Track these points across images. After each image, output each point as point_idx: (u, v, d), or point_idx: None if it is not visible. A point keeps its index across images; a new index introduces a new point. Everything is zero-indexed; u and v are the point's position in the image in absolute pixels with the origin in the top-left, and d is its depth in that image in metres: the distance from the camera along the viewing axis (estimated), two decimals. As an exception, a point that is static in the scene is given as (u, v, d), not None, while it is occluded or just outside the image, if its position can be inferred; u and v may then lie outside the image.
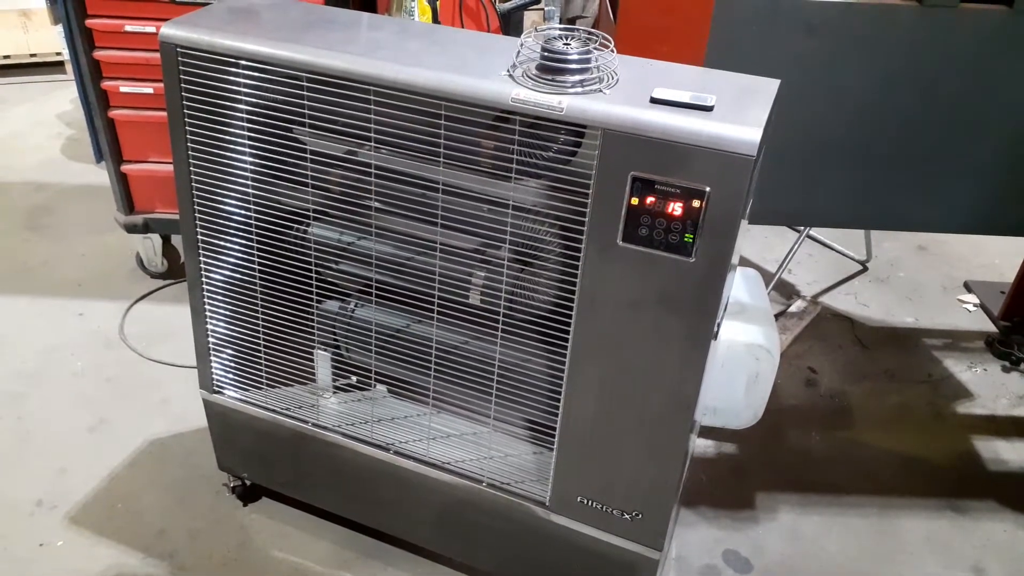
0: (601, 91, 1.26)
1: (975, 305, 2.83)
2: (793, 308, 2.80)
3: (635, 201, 1.24)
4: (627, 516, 1.50)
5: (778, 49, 1.85)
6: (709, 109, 1.21)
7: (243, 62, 1.42)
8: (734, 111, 1.21)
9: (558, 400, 1.46)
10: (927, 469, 2.18)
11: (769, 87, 1.31)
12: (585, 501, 1.53)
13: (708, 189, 1.19)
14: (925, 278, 3.00)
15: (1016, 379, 2.50)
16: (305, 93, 1.40)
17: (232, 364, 1.79)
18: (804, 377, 2.48)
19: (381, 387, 1.81)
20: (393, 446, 1.69)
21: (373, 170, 1.44)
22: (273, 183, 1.57)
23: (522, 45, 1.33)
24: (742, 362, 1.87)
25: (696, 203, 1.21)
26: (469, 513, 1.68)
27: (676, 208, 1.22)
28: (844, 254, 3.12)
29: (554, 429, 1.50)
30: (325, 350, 1.76)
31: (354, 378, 1.81)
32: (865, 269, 3.05)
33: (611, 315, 1.34)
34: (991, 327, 2.70)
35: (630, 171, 1.22)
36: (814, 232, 3.17)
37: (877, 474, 2.15)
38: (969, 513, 2.04)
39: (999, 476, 2.16)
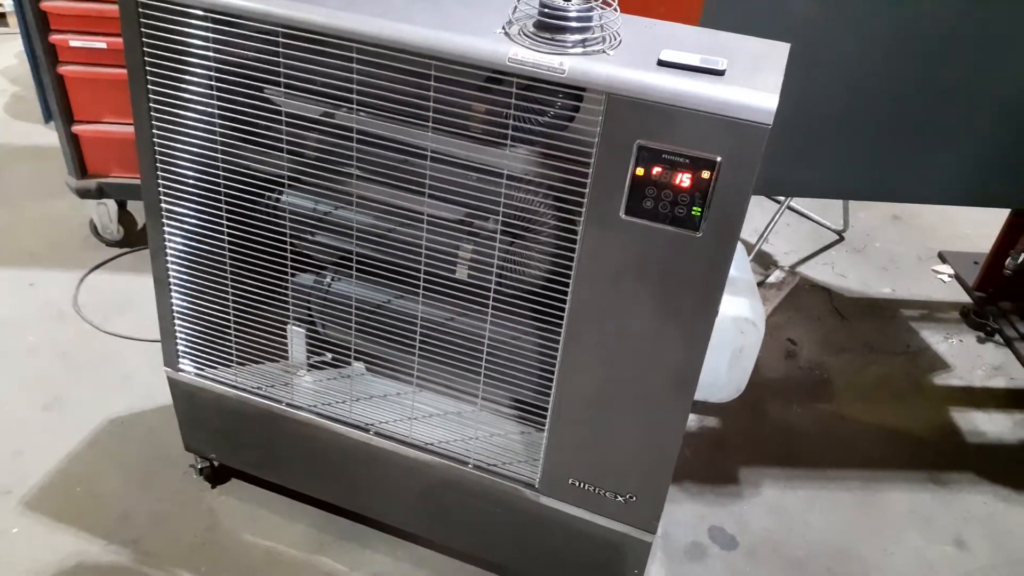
0: (604, 52, 1.17)
1: (949, 275, 2.83)
2: (771, 279, 2.77)
3: (640, 171, 1.16)
4: (620, 499, 1.45)
5: (768, 14, 1.78)
6: (720, 73, 1.13)
7: (212, 15, 1.30)
8: (747, 76, 1.13)
9: (550, 379, 1.40)
10: (908, 441, 2.17)
11: (779, 51, 1.24)
12: (577, 483, 1.47)
13: (719, 159, 1.12)
14: (900, 248, 2.99)
15: (991, 350, 2.51)
16: (280, 50, 1.28)
17: (199, 340, 1.69)
18: (784, 349, 2.46)
19: (359, 364, 1.73)
20: (373, 426, 1.61)
21: (355, 135, 1.34)
22: (244, 147, 1.46)
23: (519, 1, 1.23)
24: (727, 335, 1.82)
25: (706, 174, 1.14)
26: (453, 495, 1.61)
27: (684, 179, 1.15)
28: (821, 224, 3.10)
29: (545, 409, 1.44)
30: (299, 326, 1.67)
31: (329, 355, 1.73)
32: (841, 239, 3.03)
33: (610, 291, 1.27)
34: (966, 297, 2.71)
35: (636, 139, 1.15)
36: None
37: (859, 447, 2.14)
38: (950, 486, 2.04)
39: (977, 448, 2.17)
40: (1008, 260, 2.47)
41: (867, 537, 1.90)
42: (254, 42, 1.32)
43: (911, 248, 2.99)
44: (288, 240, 1.50)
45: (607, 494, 1.46)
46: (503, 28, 1.22)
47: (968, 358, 2.47)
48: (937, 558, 1.87)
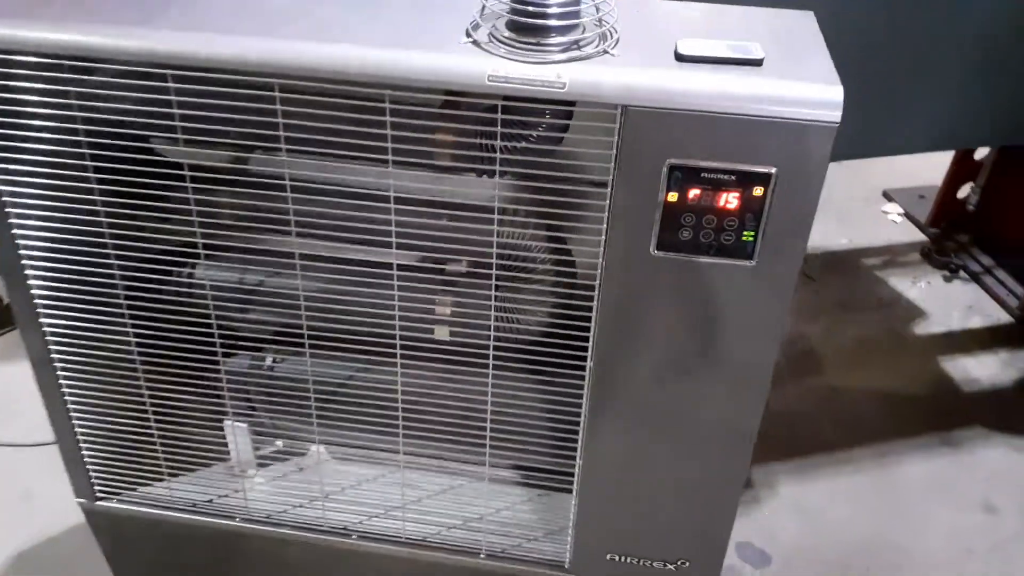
0: (607, 52, 0.91)
1: (899, 215, 2.74)
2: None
3: (673, 197, 0.92)
4: (670, 567, 1.24)
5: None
6: (759, 63, 0.89)
7: (69, 62, 0.96)
8: (790, 63, 0.90)
9: (572, 439, 1.16)
10: (907, 403, 2.06)
11: (807, 24, 1.01)
12: (617, 557, 1.24)
13: (775, 171, 0.89)
14: (845, 193, 2.88)
15: (959, 287, 2.44)
16: (173, 97, 0.96)
17: (115, 458, 1.35)
18: (757, 322, 2.30)
19: (318, 449, 1.44)
20: (355, 527, 1.33)
21: (288, 183, 1.03)
22: (137, 214, 1.13)
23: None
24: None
25: (758, 191, 0.90)
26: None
27: (730, 200, 0.91)
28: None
29: (568, 472, 1.20)
30: (239, 421, 1.35)
31: (279, 442, 1.43)
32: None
33: (643, 339, 1.03)
34: (920, 236, 2.62)
35: (666, 158, 0.90)
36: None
37: (861, 420, 2.00)
38: (963, 445, 1.94)
39: (977, 397, 2.07)
40: (969, 195, 2.38)
41: (896, 521, 1.77)
42: (136, 89, 0.99)
43: (855, 191, 2.88)
44: (214, 322, 1.19)
45: (654, 563, 1.24)
46: (469, 34, 0.94)
47: (940, 300, 2.38)
48: (971, 528, 1.76)
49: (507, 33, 0.92)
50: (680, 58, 0.90)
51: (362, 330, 1.16)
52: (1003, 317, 2.31)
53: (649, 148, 0.90)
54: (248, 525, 1.35)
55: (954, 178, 2.46)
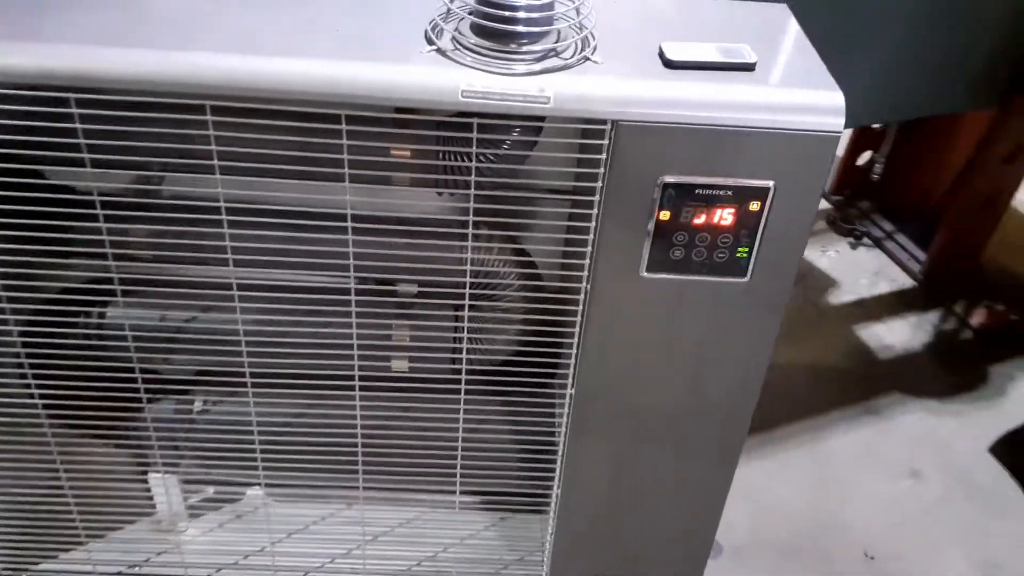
0: (588, 59, 0.83)
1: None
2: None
3: (665, 216, 0.85)
4: (652, 583, 1.20)
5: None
6: (751, 68, 0.83)
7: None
8: (783, 66, 0.85)
9: (550, 464, 1.09)
10: (832, 375, 2.11)
11: (784, 17, 0.95)
12: (595, 578, 1.19)
13: (771, 184, 0.84)
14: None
15: (864, 254, 2.52)
16: (79, 125, 0.80)
17: (28, 525, 1.18)
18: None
19: (254, 491, 1.31)
20: (312, 574, 1.22)
21: (223, 206, 0.88)
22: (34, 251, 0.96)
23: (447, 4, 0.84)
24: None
25: (754, 206, 0.85)
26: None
27: (725, 217, 0.85)
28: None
29: (545, 497, 1.14)
30: (165, 472, 1.21)
31: (211, 488, 1.29)
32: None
33: (629, 361, 0.96)
34: (825, 204, 2.69)
35: (660, 175, 0.83)
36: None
37: (792, 394, 2.04)
38: (883, 413, 2.01)
39: (891, 363, 2.15)
40: (872, 163, 2.45)
41: (834, 495, 1.81)
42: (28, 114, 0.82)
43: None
44: (136, 365, 1.04)
45: (634, 581, 1.20)
46: (430, 40, 0.83)
47: (849, 268, 2.45)
48: (901, 495, 1.82)
49: (474, 39, 0.82)
50: (669, 64, 0.82)
51: (311, 364, 1.04)
52: (907, 281, 2.41)
53: (641, 165, 0.82)
54: (189, 584, 1.21)
55: (855, 147, 2.53)
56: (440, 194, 0.96)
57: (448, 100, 0.79)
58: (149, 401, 1.10)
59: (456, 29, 0.84)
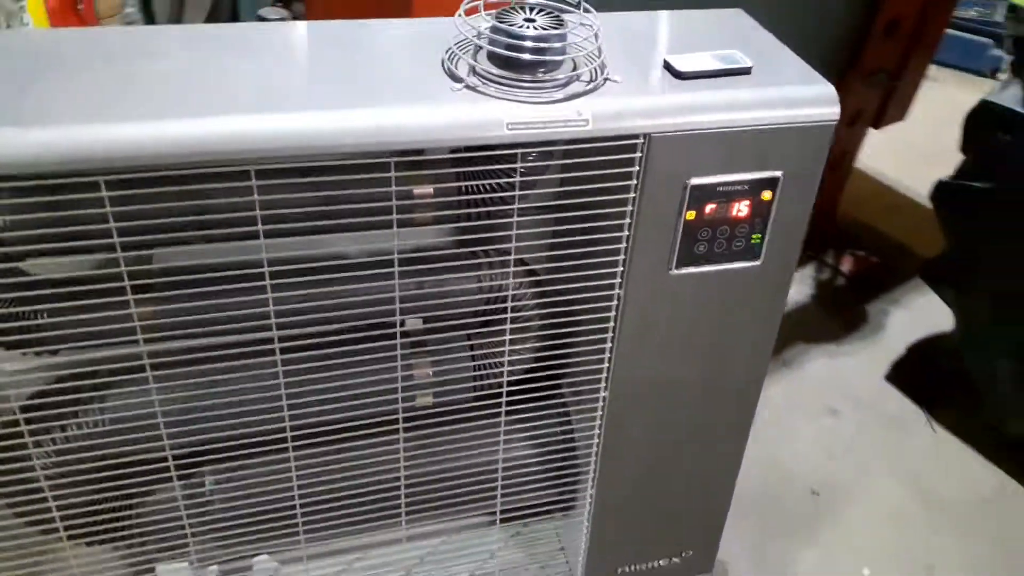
0: (608, 79, 0.87)
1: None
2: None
3: (692, 215, 0.92)
4: (676, 560, 1.27)
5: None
6: (748, 71, 0.91)
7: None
8: (771, 66, 0.93)
9: (584, 464, 1.13)
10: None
11: (747, 21, 1.04)
12: (626, 569, 1.25)
13: (780, 174, 0.92)
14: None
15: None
16: (109, 208, 0.74)
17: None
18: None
19: (262, 558, 1.25)
20: (349, 627, 1.19)
21: (267, 270, 0.85)
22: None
23: (455, 40, 0.85)
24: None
25: (766, 195, 0.93)
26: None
27: (741, 209, 0.93)
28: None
29: (571, 498, 1.17)
30: (174, 560, 1.13)
31: (215, 568, 1.22)
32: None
33: (657, 357, 1.02)
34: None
35: (687, 179, 0.89)
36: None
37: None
38: (794, 363, 2.19)
39: (789, 317, 2.30)
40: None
41: (772, 442, 1.96)
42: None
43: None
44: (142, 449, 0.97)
45: (661, 562, 1.26)
46: (455, 78, 0.84)
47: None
48: (826, 432, 2.00)
49: (498, 71, 0.84)
50: (680, 76, 0.89)
51: (342, 416, 1.02)
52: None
53: (670, 171, 0.88)
54: (217, 670, 1.14)
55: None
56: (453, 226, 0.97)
57: (494, 134, 0.80)
58: (152, 490, 1.04)
59: (474, 62, 0.85)
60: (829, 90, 0.90)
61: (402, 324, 1.10)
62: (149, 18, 3.07)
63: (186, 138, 0.72)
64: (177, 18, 3.02)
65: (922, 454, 1.97)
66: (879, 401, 2.09)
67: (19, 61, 0.80)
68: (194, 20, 3.00)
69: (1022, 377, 1.79)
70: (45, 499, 0.97)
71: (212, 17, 2.90)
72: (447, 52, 0.87)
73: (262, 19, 2.78)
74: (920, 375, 2.17)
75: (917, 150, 3.03)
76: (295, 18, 2.72)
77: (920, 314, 2.36)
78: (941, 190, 1.81)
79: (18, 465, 0.91)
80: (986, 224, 1.74)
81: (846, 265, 2.52)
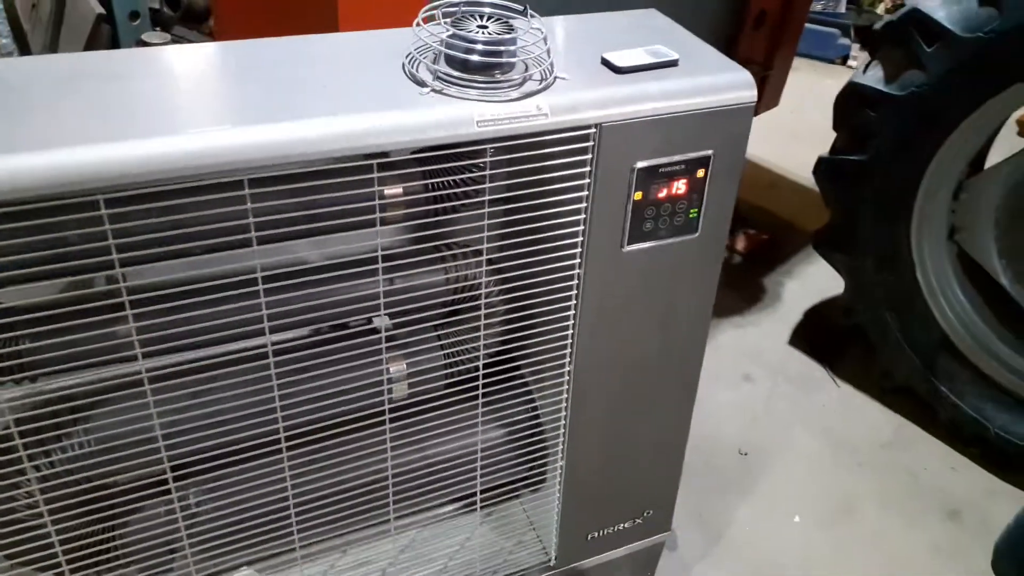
0: (558, 77, 0.96)
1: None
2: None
3: (639, 195, 1.01)
4: (639, 521, 1.36)
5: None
6: (676, 63, 1.02)
7: None
8: (693, 58, 1.04)
9: (552, 442, 1.20)
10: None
11: (658, 20, 1.15)
12: (596, 534, 1.33)
13: (712, 153, 1.03)
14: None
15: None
16: (108, 226, 0.76)
17: None
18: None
19: (245, 571, 1.26)
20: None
21: (260, 276, 0.88)
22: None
23: (419, 43, 0.92)
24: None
25: (700, 172, 1.04)
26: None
27: (680, 186, 1.04)
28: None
29: (543, 478, 1.25)
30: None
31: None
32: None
33: (614, 329, 1.12)
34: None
35: (634, 162, 0.99)
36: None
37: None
38: (714, 339, 2.35)
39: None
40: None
41: (697, 411, 2.10)
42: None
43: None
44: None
45: (624, 525, 1.35)
46: (420, 83, 0.90)
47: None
48: (745, 397, 2.16)
49: (457, 74, 0.91)
50: (618, 71, 0.98)
51: (326, 415, 1.06)
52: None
53: (618, 157, 0.98)
54: None
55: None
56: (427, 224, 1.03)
57: (465, 132, 0.88)
58: (136, 510, 1.04)
59: (436, 67, 0.92)
60: (747, 76, 1.02)
61: (370, 322, 1.15)
62: (23, 48, 2.95)
63: (183, 152, 0.75)
64: (53, 48, 2.91)
65: (830, 407, 2.16)
66: (786, 364, 2.28)
67: None
68: (70, 49, 2.90)
69: (907, 326, 2.00)
70: (35, 530, 0.97)
71: (89, 46, 2.82)
72: (407, 59, 0.93)
73: (144, 44, 2.73)
74: (819, 336, 2.37)
75: (785, 131, 3.29)
76: (175, 42, 2.68)
77: (810, 282, 2.58)
78: (821, 165, 2.00)
79: (8, 495, 0.90)
80: (862, 192, 1.93)
81: (740, 244, 2.71)
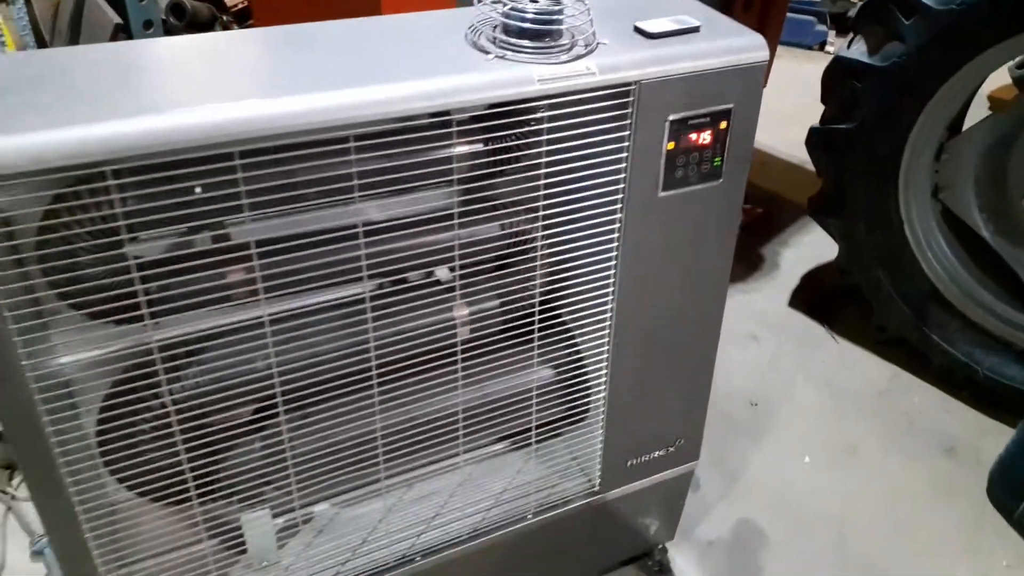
0: (600, 43, 1.10)
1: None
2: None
3: (671, 145, 1.16)
4: (671, 449, 1.51)
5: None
6: (698, 30, 1.17)
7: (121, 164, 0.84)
8: (711, 26, 1.19)
9: (597, 375, 1.34)
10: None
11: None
12: (634, 461, 1.47)
13: (732, 106, 1.18)
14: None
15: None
16: (242, 175, 0.90)
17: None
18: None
19: (321, 506, 1.39)
20: (414, 552, 1.35)
21: (361, 228, 1.02)
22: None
23: (478, 17, 1.07)
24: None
25: (723, 124, 1.19)
26: (520, 554, 1.46)
27: (705, 137, 1.19)
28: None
29: (586, 413, 1.39)
30: (257, 508, 1.26)
31: (279, 519, 1.35)
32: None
33: (650, 270, 1.26)
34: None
35: (667, 116, 1.13)
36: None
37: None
38: (748, 295, 2.50)
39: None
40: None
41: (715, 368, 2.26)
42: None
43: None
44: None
45: (659, 453, 1.50)
46: (484, 51, 1.05)
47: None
48: (753, 356, 2.32)
49: (517, 41, 1.06)
50: (650, 36, 1.13)
51: (408, 356, 1.20)
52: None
53: (655, 111, 1.12)
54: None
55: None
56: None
57: (528, 89, 1.02)
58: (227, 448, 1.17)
59: (496, 36, 1.07)
60: (760, 39, 1.17)
61: (431, 274, 1.29)
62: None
63: (305, 110, 0.89)
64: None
65: (830, 361, 2.32)
66: (788, 324, 2.45)
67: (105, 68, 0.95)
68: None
69: (898, 281, 2.17)
70: (153, 461, 1.10)
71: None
72: (470, 30, 1.08)
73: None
74: (815, 298, 2.54)
75: (772, 114, 3.46)
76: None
77: (805, 249, 2.75)
78: (813, 136, 2.16)
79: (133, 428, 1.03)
80: (851, 158, 2.09)
81: (737, 219, 2.86)
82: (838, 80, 2.07)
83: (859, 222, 2.16)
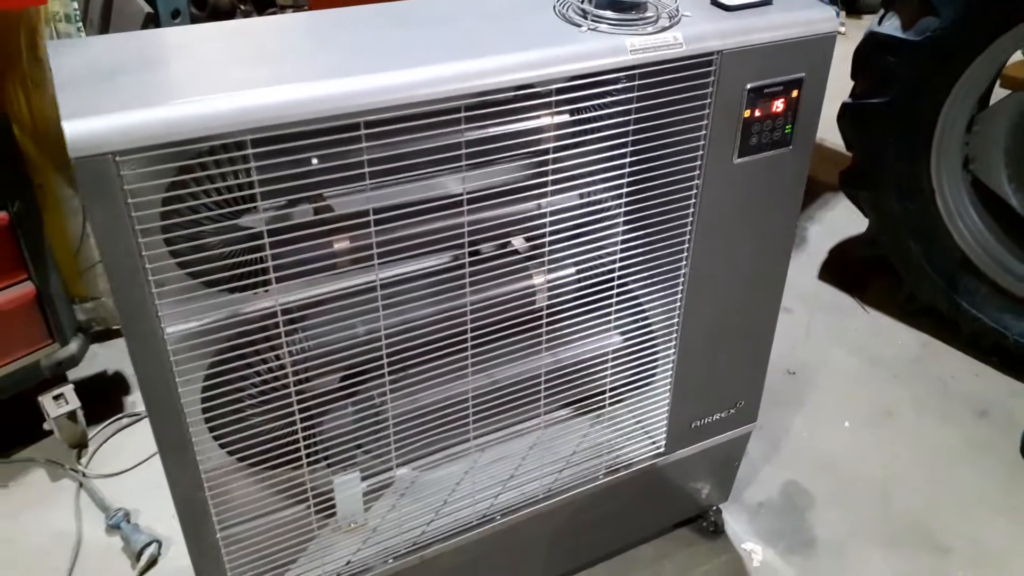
0: (683, 15, 1.15)
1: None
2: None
3: (748, 112, 1.21)
4: (732, 411, 1.56)
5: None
6: (770, 2, 1.22)
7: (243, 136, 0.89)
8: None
9: (662, 344, 1.40)
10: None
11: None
12: (698, 422, 1.53)
13: (804, 75, 1.23)
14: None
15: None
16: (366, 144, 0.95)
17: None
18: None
19: (402, 470, 1.44)
20: (494, 512, 1.40)
21: (465, 197, 1.07)
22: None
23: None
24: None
25: (795, 93, 1.24)
26: (590, 513, 1.52)
27: (778, 105, 1.24)
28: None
29: (654, 373, 1.44)
30: (347, 472, 1.31)
31: (364, 483, 1.41)
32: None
33: (722, 234, 1.32)
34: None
35: (745, 84, 1.18)
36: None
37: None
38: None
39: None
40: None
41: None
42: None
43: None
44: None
45: (721, 415, 1.55)
46: (576, 23, 1.10)
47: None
48: (788, 326, 2.35)
49: (606, 14, 1.11)
50: (728, 9, 1.18)
51: (495, 324, 1.25)
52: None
53: (734, 80, 1.17)
54: (400, 562, 1.34)
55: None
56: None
57: (621, 59, 1.07)
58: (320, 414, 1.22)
59: (587, 9, 1.11)
60: (830, 11, 1.22)
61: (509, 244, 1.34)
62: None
63: (423, 80, 0.94)
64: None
65: (862, 331, 2.39)
66: (819, 296, 2.51)
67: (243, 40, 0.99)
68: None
69: (929, 251, 2.23)
70: (258, 425, 1.15)
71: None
72: (559, 3, 1.13)
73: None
74: (844, 270, 2.60)
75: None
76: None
77: (830, 225, 2.81)
78: (845, 111, 2.22)
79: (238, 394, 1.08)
80: (884, 131, 2.15)
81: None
82: (871, 55, 2.12)
83: (891, 194, 2.22)
